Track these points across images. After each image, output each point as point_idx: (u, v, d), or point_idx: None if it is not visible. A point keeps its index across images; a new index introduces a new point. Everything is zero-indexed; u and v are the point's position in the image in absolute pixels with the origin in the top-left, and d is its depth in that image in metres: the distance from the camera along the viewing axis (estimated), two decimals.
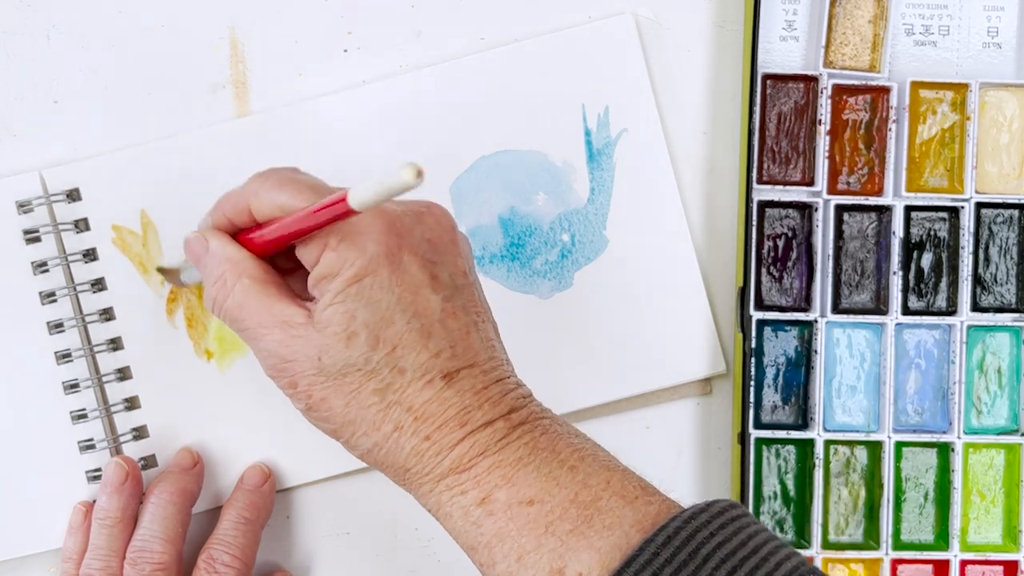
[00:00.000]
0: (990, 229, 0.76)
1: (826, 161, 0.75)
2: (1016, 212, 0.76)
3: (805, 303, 0.76)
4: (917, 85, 0.75)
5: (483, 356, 0.63)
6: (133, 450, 0.74)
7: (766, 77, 0.75)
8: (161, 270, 0.74)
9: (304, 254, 0.63)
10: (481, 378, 0.62)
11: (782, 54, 0.76)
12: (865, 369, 0.76)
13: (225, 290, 0.64)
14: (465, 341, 0.62)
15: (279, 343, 0.62)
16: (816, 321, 0.75)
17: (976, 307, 0.76)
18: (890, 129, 0.75)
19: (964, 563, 0.75)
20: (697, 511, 0.59)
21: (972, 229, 0.76)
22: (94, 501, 0.73)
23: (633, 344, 0.75)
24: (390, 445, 0.62)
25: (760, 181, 0.75)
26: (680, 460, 0.76)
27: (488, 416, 0.62)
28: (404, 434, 0.62)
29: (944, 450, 0.76)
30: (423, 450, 0.62)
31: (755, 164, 0.75)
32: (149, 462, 0.74)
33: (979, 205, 0.76)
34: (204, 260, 0.66)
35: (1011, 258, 0.76)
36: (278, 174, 0.64)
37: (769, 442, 0.75)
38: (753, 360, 0.75)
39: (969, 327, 0.76)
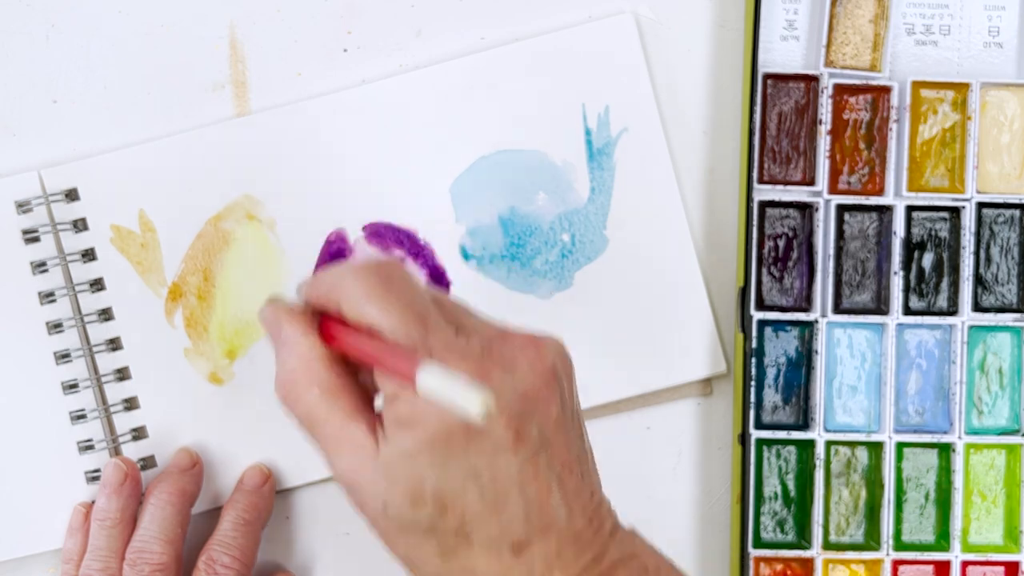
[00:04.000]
0: (991, 229, 0.76)
1: (827, 161, 0.75)
2: (1017, 212, 0.76)
3: (806, 303, 0.75)
4: (918, 85, 0.75)
5: (561, 516, 0.58)
6: (132, 451, 0.74)
7: (767, 77, 0.75)
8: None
9: (382, 381, 0.58)
10: (554, 544, 0.57)
11: (783, 54, 0.76)
12: (866, 369, 0.75)
13: (294, 394, 0.59)
14: (543, 505, 0.57)
15: (347, 469, 0.58)
16: (817, 321, 0.75)
17: (977, 307, 0.76)
18: (891, 129, 0.75)
19: (965, 564, 0.75)
20: None
21: (973, 229, 0.75)
22: (94, 502, 0.73)
23: (633, 344, 0.75)
24: None
25: (761, 181, 0.75)
26: (680, 460, 0.76)
27: None
28: None
29: (945, 450, 0.76)
30: None
31: (755, 164, 0.75)
32: (148, 463, 0.74)
33: (980, 205, 0.76)
34: (277, 344, 0.61)
35: (1012, 258, 0.76)
36: (372, 279, 0.58)
37: (770, 442, 0.75)
38: (754, 360, 0.75)
39: (970, 327, 0.76)
